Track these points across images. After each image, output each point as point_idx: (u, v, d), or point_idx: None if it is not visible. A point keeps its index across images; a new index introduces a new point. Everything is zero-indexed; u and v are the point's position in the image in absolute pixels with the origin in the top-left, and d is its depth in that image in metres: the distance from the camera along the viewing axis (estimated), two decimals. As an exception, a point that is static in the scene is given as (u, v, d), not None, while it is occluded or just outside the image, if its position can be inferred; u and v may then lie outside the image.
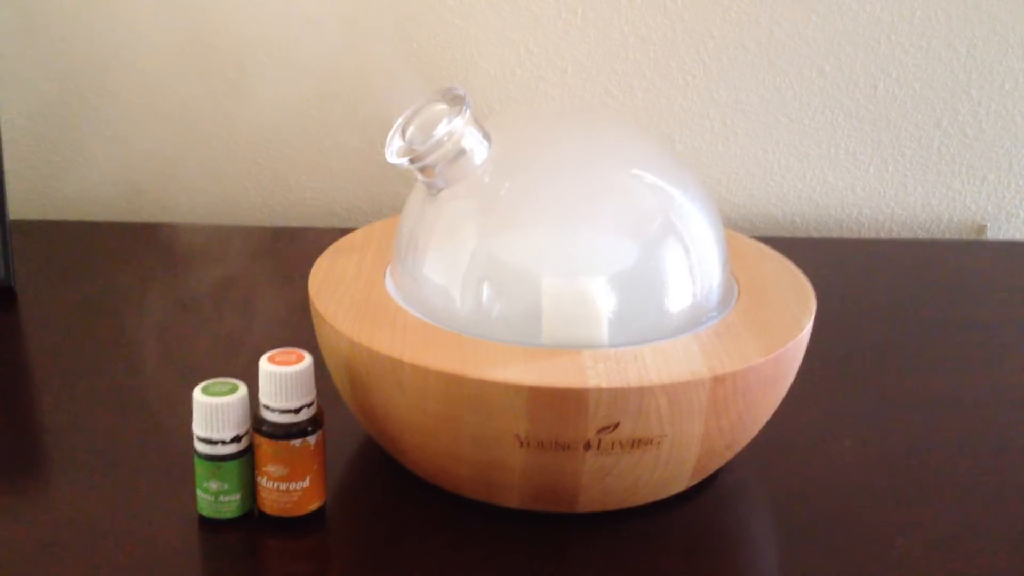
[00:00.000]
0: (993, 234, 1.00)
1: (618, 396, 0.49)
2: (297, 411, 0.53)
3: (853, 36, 0.92)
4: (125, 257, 0.88)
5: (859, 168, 0.97)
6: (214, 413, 0.53)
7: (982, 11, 0.91)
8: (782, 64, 0.93)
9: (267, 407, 0.53)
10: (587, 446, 0.51)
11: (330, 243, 0.65)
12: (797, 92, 0.94)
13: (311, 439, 0.53)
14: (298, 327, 0.67)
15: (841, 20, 0.92)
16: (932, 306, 0.83)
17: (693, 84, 0.94)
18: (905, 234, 1.00)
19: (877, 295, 0.85)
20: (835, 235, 0.99)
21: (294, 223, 0.99)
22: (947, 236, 1.00)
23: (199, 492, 0.55)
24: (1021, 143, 0.96)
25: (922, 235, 1.00)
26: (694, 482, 0.57)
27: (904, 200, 0.98)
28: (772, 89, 0.94)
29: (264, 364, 0.53)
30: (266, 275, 0.84)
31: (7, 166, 0.78)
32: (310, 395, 0.53)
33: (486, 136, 0.56)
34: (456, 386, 0.50)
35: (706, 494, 0.58)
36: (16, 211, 0.90)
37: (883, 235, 1.00)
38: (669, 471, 0.54)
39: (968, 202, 0.99)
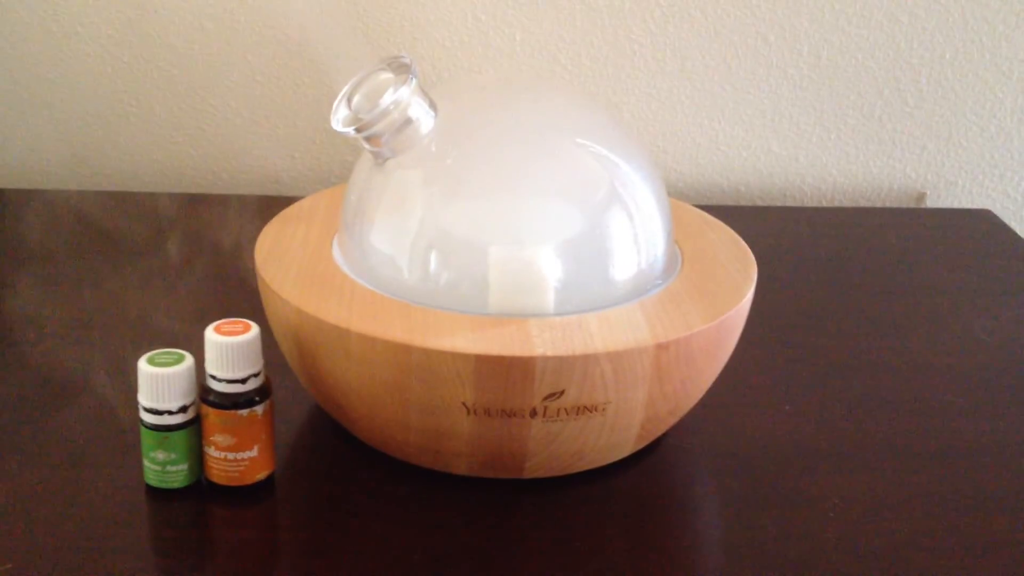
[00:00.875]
0: (932, 202, 1.02)
1: (563, 364, 0.50)
2: (244, 381, 0.53)
3: (797, 5, 0.93)
4: (68, 226, 0.86)
5: (802, 137, 0.98)
6: (160, 383, 0.53)
7: (923, -18, 0.93)
8: (727, 33, 0.94)
9: (214, 377, 0.53)
10: (533, 413, 0.52)
11: (277, 212, 0.65)
12: (742, 61, 0.95)
13: (258, 409, 0.54)
14: (245, 297, 0.67)
15: (786, -10, 0.93)
16: (872, 272, 0.85)
17: (640, 53, 0.94)
18: (847, 202, 1.01)
19: (819, 262, 0.87)
20: (779, 203, 1.01)
21: (240, 191, 0.98)
22: (888, 204, 1.02)
23: (146, 462, 0.55)
24: (960, 113, 0.98)
25: (864, 203, 1.02)
26: (639, 447, 0.58)
27: (846, 169, 1.00)
28: (718, 58, 0.95)
29: (210, 334, 0.53)
30: (212, 244, 0.84)
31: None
32: (257, 365, 0.53)
33: (432, 105, 0.56)
34: (403, 355, 0.51)
35: (650, 459, 0.60)
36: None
37: (825, 203, 1.01)
38: (614, 437, 0.54)
39: (908, 170, 1.00)
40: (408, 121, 0.55)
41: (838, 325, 0.76)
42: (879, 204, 1.02)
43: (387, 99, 0.54)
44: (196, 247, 0.83)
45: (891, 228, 0.94)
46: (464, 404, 0.51)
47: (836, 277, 0.84)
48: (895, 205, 1.02)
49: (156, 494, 0.55)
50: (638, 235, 0.57)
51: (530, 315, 0.53)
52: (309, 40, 0.92)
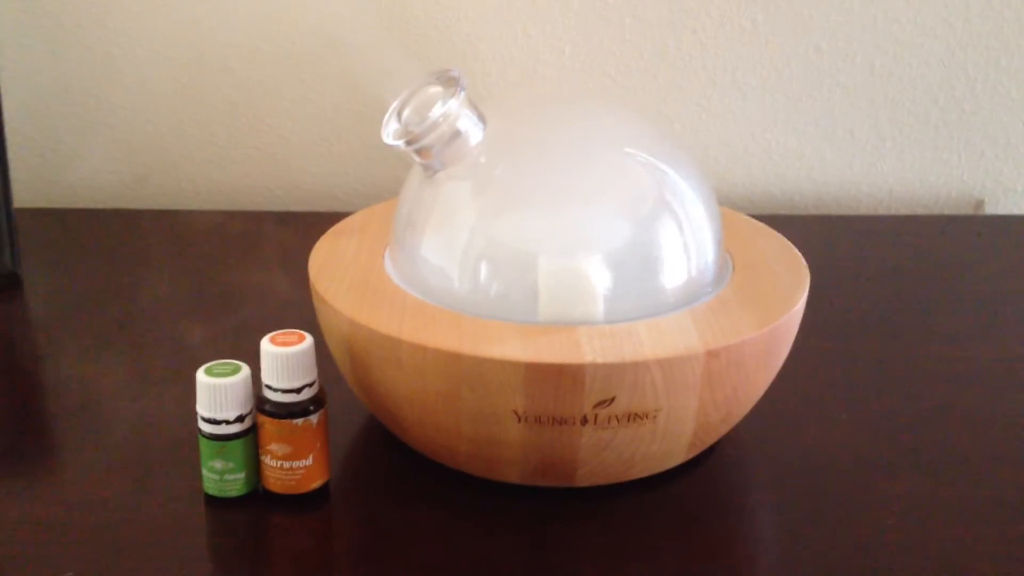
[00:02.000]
0: (991, 209, 1.00)
1: (613, 371, 0.50)
2: (299, 391, 0.54)
3: (849, 14, 0.93)
4: (128, 243, 0.89)
5: (857, 145, 0.98)
6: (218, 394, 0.54)
7: (978, -13, 0.92)
8: (779, 43, 0.94)
9: (269, 387, 0.54)
10: (584, 421, 0.52)
11: (331, 227, 0.66)
12: (794, 70, 0.95)
13: (313, 418, 0.54)
14: (300, 309, 0.68)
15: (837, -2, 0.92)
16: (929, 280, 0.84)
17: (691, 64, 0.95)
18: (903, 210, 1.00)
19: (874, 270, 0.86)
20: (834, 212, 1.00)
21: (295, 208, 1.00)
22: (945, 212, 1.00)
23: (205, 472, 0.56)
24: (1017, 118, 0.97)
25: (921, 211, 1.00)
26: (691, 455, 0.58)
27: (902, 176, 0.99)
28: (769, 68, 0.95)
29: (266, 345, 0.54)
30: (267, 259, 0.85)
31: (10, 154, 0.79)
32: (311, 375, 0.54)
33: (481, 118, 0.57)
34: (454, 363, 0.51)
35: (704, 467, 0.59)
36: (20, 199, 0.91)
37: (881, 211, 1.00)
38: (665, 444, 0.54)
39: (966, 177, 0.99)
40: (457, 133, 0.56)
41: (895, 333, 0.75)
42: (936, 212, 1.00)
43: (436, 111, 0.55)
44: (252, 262, 0.84)
45: (949, 236, 0.93)
46: (515, 412, 0.52)
47: (893, 285, 0.83)
48: (953, 212, 1.00)
49: (215, 503, 0.56)
50: (687, 243, 0.57)
51: (580, 323, 0.54)
52: (361, 59, 0.94)
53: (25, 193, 0.97)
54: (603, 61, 0.94)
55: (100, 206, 0.99)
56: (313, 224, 0.70)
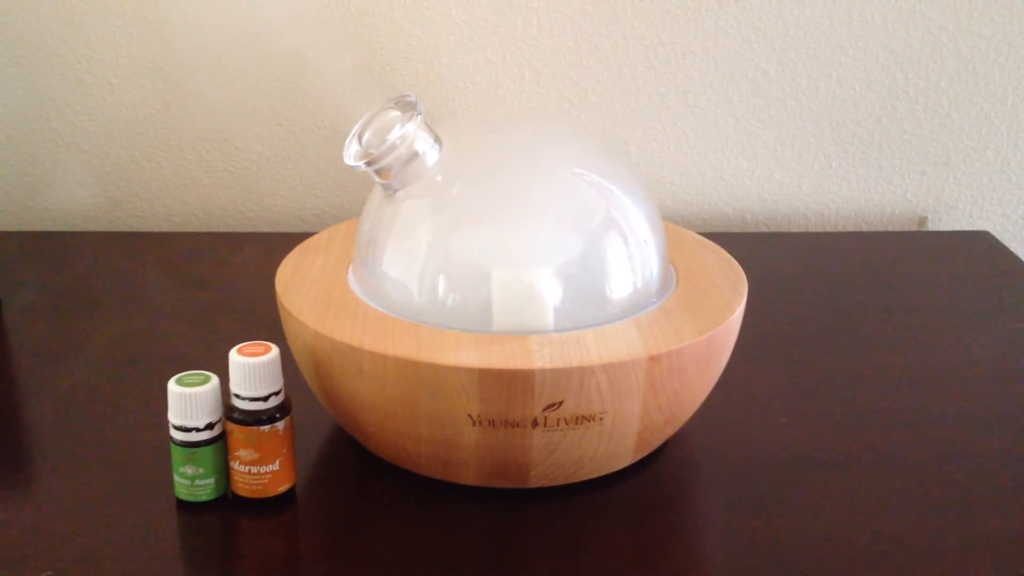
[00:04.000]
0: (934, 226, 1.04)
1: (561, 376, 0.54)
2: (266, 399, 0.57)
3: (795, 40, 0.97)
4: (103, 264, 0.91)
5: (804, 166, 1.02)
6: (188, 402, 0.57)
7: (916, 13, 0.96)
8: (728, 68, 0.98)
9: (238, 396, 0.57)
10: (535, 423, 0.55)
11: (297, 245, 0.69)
12: (743, 94, 0.99)
13: (280, 425, 0.57)
14: (267, 322, 0.71)
15: (783, 25, 0.96)
16: (872, 293, 0.88)
17: (645, 88, 0.99)
18: (850, 227, 1.04)
19: (821, 284, 0.90)
20: (784, 229, 1.04)
21: (266, 229, 1.03)
22: (890, 228, 1.05)
23: (176, 477, 0.58)
24: (957, 138, 1.01)
25: (866, 228, 1.05)
26: (639, 457, 0.62)
27: (848, 195, 1.03)
28: (720, 92, 0.99)
29: (234, 356, 0.57)
30: (237, 276, 0.88)
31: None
32: (277, 384, 0.57)
33: (438, 140, 0.60)
34: (412, 370, 0.54)
35: (651, 468, 0.63)
36: (-3, 222, 0.94)
37: (828, 228, 1.04)
38: (613, 445, 0.58)
39: (909, 195, 1.03)
40: (415, 154, 0.59)
41: (836, 342, 0.79)
42: (881, 228, 1.05)
43: (395, 134, 0.58)
44: (223, 280, 0.87)
45: (892, 251, 0.97)
46: (470, 416, 0.55)
47: (837, 298, 0.87)
48: (897, 229, 1.05)
49: (185, 507, 0.59)
50: (633, 257, 0.60)
51: (531, 332, 0.57)
52: (328, 85, 0.97)
53: (1, 216, 1.00)
54: (561, 86, 0.98)
55: (75, 229, 1.02)
56: (281, 245, 0.73)
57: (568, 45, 0.97)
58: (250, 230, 1.03)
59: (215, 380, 0.57)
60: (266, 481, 0.58)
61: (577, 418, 0.55)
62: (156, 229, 1.02)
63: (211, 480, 0.58)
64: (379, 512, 0.59)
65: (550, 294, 0.58)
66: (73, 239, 0.97)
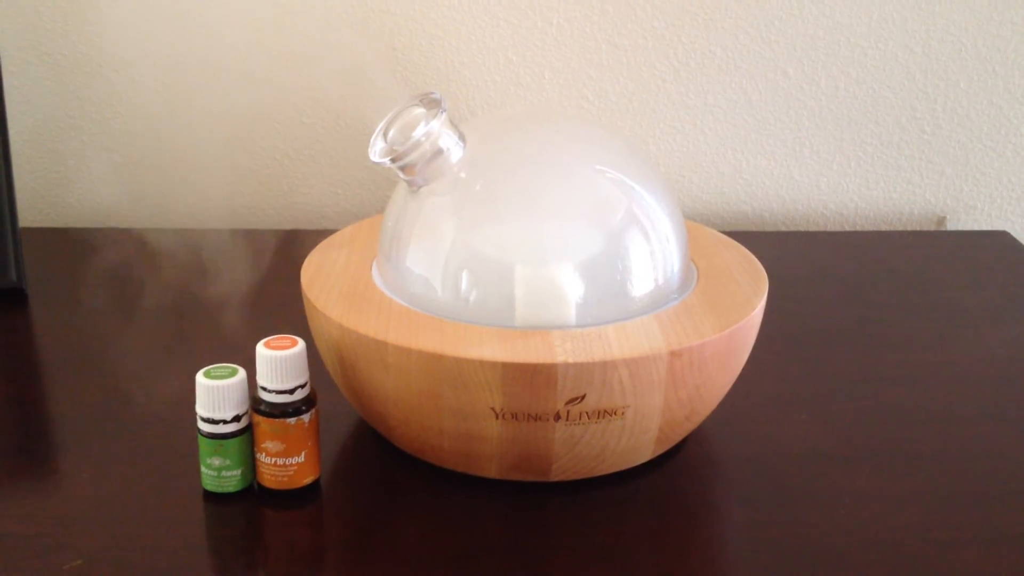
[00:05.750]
0: (953, 225, 1.05)
1: (583, 370, 0.54)
2: (292, 391, 0.58)
3: (814, 39, 0.97)
4: (128, 259, 0.92)
5: (823, 165, 1.02)
6: (216, 395, 0.57)
7: (936, 13, 0.97)
8: (748, 68, 0.98)
9: (264, 388, 0.58)
10: (557, 417, 0.56)
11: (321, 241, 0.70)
12: (763, 94, 0.99)
13: (305, 417, 0.58)
14: (293, 317, 0.71)
15: (803, 24, 0.97)
16: (891, 292, 0.88)
17: (664, 88, 0.99)
18: (868, 227, 1.05)
19: (839, 283, 0.90)
20: (802, 228, 1.04)
21: (288, 226, 1.04)
22: (909, 228, 1.05)
23: (203, 468, 0.59)
24: (976, 138, 1.01)
25: (885, 227, 1.05)
26: (659, 451, 0.62)
27: (867, 194, 1.03)
28: (739, 91, 0.99)
29: (261, 349, 0.58)
30: (262, 272, 0.89)
31: (16, 176, 0.83)
32: (303, 377, 0.58)
33: (461, 137, 0.61)
34: (436, 364, 0.55)
35: (672, 463, 0.63)
36: (24, 219, 0.95)
37: (847, 228, 1.05)
38: (634, 440, 0.58)
39: (928, 195, 1.04)
40: (439, 151, 0.60)
41: (855, 341, 0.79)
42: (900, 228, 1.05)
43: (419, 131, 0.59)
44: (246, 276, 0.88)
45: (910, 250, 0.97)
46: (493, 409, 0.56)
47: (855, 296, 0.87)
48: (916, 228, 1.05)
49: (212, 498, 0.59)
50: (654, 253, 0.61)
51: (554, 327, 0.58)
52: (351, 83, 0.98)
53: (28, 212, 1.01)
54: (581, 86, 0.99)
55: (99, 225, 1.03)
56: (304, 241, 0.74)
57: (588, 44, 0.98)
58: (273, 227, 1.04)
59: (242, 373, 0.58)
60: (292, 473, 0.59)
61: (599, 412, 0.56)
62: (180, 226, 1.03)
63: (237, 471, 0.59)
64: (402, 504, 0.60)
65: (572, 289, 0.58)
66: (98, 235, 0.98)
